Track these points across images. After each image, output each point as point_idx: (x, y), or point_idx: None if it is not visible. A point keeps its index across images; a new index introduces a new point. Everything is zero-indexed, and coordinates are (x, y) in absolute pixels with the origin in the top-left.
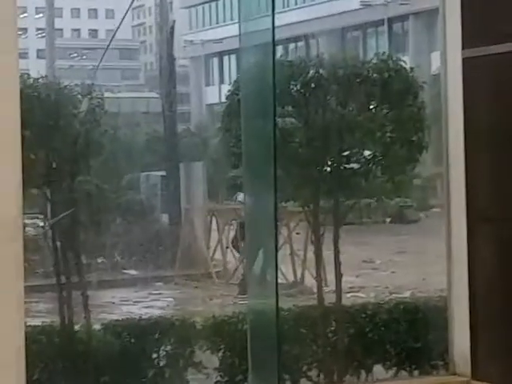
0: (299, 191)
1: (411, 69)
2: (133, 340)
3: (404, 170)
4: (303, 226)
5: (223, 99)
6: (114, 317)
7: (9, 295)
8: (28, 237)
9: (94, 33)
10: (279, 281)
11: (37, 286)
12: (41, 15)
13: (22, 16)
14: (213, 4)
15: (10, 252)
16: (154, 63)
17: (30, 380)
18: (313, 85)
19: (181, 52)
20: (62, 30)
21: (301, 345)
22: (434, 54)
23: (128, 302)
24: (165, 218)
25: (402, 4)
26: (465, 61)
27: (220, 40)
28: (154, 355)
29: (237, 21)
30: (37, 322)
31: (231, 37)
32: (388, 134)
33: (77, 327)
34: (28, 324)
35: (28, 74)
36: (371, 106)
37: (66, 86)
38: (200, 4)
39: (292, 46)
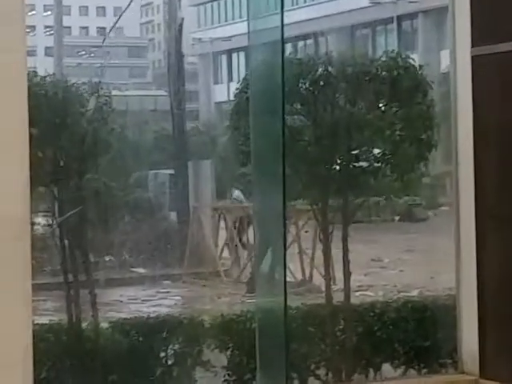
0: (308, 190)
1: (420, 67)
2: (141, 338)
3: (413, 168)
4: (312, 225)
5: (232, 97)
6: (122, 315)
7: (16, 293)
8: (36, 235)
9: (102, 30)
10: (287, 279)
11: (44, 284)
12: (49, 13)
13: (30, 14)
14: (221, 1)
15: (17, 250)
16: (163, 61)
17: (38, 378)
18: (322, 83)
19: (189, 50)
20: (70, 27)
21: (309, 343)
22: (443, 52)
23: (136, 301)
24: (173, 216)
25: (411, 2)
26: (474, 59)
27: (229, 38)
28: (162, 354)
29: (246, 18)
30: (44, 320)
31: (240, 34)
32: (397, 133)
33: (84, 325)
34: (35, 322)
35: (35, 72)
36: (380, 104)
37: (73, 83)
38: (209, 2)
39: (301, 43)
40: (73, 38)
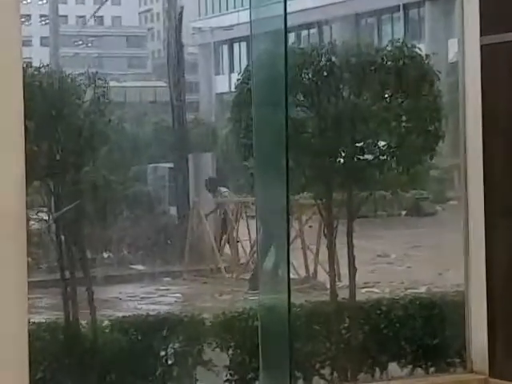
0: (311, 183)
1: (427, 56)
2: (140, 337)
3: (420, 160)
4: (315, 220)
5: (233, 88)
6: (121, 313)
7: (12, 291)
8: (31, 231)
9: (99, 19)
10: (291, 276)
11: (41, 282)
12: (44, 1)
13: (24, 2)
14: None
15: (13, 246)
16: (162, 51)
17: (34, 379)
18: (325, 73)
19: (189, 39)
20: (66, 16)
21: (313, 342)
22: (451, 41)
23: (135, 298)
24: (173, 210)
25: None
26: (483, 48)
27: (230, 27)
28: (162, 353)
29: (247, 7)
30: (41, 318)
31: (242, 23)
32: (403, 124)
33: (82, 324)
34: (32, 321)
35: (30, 63)
36: (386, 95)
37: (69, 74)
38: None
39: (304, 32)
40: (69, 28)
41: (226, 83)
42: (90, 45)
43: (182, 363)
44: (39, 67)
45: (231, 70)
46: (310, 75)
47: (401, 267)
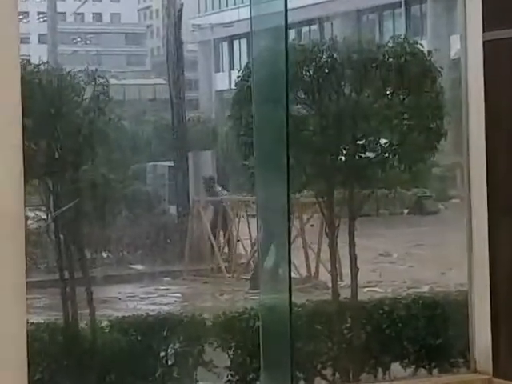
0: (313, 182)
1: (429, 52)
2: (140, 337)
3: (422, 158)
4: (317, 218)
5: (233, 86)
6: (120, 313)
7: (10, 291)
8: (30, 230)
9: (98, 16)
10: (292, 275)
11: (39, 282)
12: None
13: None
14: None
15: (11, 246)
16: (161, 48)
17: (32, 380)
18: (326, 70)
19: (189, 36)
20: (64, 13)
21: (315, 342)
22: (453, 37)
23: (134, 298)
24: (172, 209)
25: None
26: (486, 44)
27: (230, 24)
28: (162, 353)
29: (248, 3)
30: (40, 319)
31: (242, 20)
32: (405, 122)
33: (81, 324)
34: (30, 321)
35: (29, 60)
36: (387, 92)
37: (68, 72)
38: None
39: (305, 29)
40: (67, 25)
41: (225, 81)
42: (88, 42)
43: (183, 364)
44: (38, 64)
45: (231, 67)
46: (311, 72)
47: (403, 266)
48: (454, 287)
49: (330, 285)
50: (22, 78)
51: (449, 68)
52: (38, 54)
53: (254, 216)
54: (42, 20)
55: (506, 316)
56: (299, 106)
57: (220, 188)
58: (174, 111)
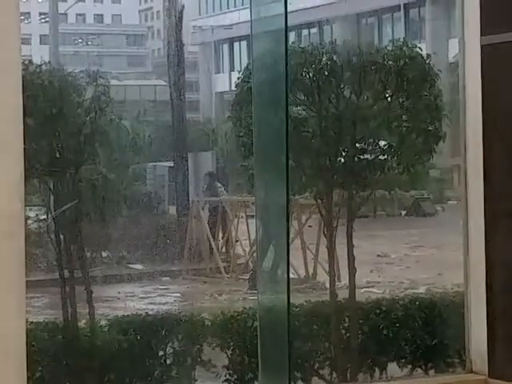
0: (311, 183)
1: (428, 56)
2: (139, 337)
3: (420, 161)
4: (315, 220)
5: (233, 87)
6: (120, 313)
7: (10, 291)
8: (30, 230)
9: (99, 18)
10: (290, 276)
11: (39, 281)
12: None
13: (24, 0)
14: None
15: (11, 245)
16: (162, 49)
17: (32, 378)
18: (326, 72)
19: (190, 38)
20: (66, 14)
21: (313, 342)
22: (451, 41)
23: (134, 298)
24: (172, 210)
25: None
26: (484, 48)
27: (230, 26)
28: (161, 353)
29: (248, 6)
30: (39, 318)
31: (242, 22)
32: (404, 124)
33: (81, 324)
34: (30, 320)
35: (30, 61)
36: (386, 95)
37: (70, 72)
38: None
39: (305, 32)
40: (69, 26)
41: (226, 82)
42: (89, 43)
43: (181, 363)
44: (40, 65)
45: (231, 68)
46: (311, 74)
47: (400, 267)
48: (450, 288)
49: (327, 285)
50: (23, 78)
51: (447, 71)
52: (39, 54)
53: (253, 217)
54: (43, 21)
55: (502, 316)
56: (299, 108)
57: (220, 185)
58: (174, 112)
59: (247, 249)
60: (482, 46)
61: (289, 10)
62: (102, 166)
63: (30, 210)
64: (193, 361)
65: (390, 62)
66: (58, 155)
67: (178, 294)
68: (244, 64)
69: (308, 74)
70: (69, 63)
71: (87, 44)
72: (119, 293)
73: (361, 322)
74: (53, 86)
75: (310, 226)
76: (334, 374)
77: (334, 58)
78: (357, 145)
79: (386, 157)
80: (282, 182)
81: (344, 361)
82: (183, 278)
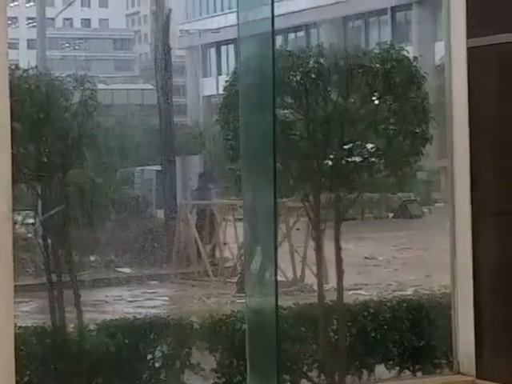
0: (299, 186)
1: (414, 59)
2: (127, 341)
3: (407, 163)
4: (303, 222)
5: (221, 91)
6: (108, 316)
7: None
8: (18, 234)
9: (86, 22)
10: (278, 278)
11: (27, 286)
12: (31, 4)
13: (11, 4)
14: None
15: None
16: (149, 54)
17: (21, 382)
18: (313, 75)
19: (177, 42)
20: (53, 19)
21: (301, 344)
22: (438, 44)
23: (122, 302)
24: (160, 213)
25: None
26: (470, 50)
27: (217, 30)
28: (149, 356)
29: (235, 10)
30: (28, 322)
31: (229, 26)
32: (391, 127)
33: (69, 328)
34: (18, 325)
35: (17, 65)
36: (373, 98)
37: (57, 77)
38: None
39: (292, 35)
40: (56, 30)
41: (213, 86)
42: (77, 47)
43: (170, 366)
44: (27, 69)
45: (219, 72)
46: (298, 78)
47: (388, 269)
48: (438, 289)
49: (315, 288)
50: (10, 83)
51: (433, 74)
52: (26, 59)
53: (241, 220)
54: (30, 25)
55: (489, 318)
56: (286, 111)
57: (212, 186)
58: (161, 116)
59: (235, 252)
60: (468, 49)
61: (276, 13)
62: (89, 170)
63: (18, 214)
64: (181, 364)
65: (377, 65)
66: (45, 159)
67: (167, 298)
68: (231, 68)
69: (295, 77)
70: (56, 67)
71: (74, 48)
72: (107, 296)
73: (349, 324)
74: (40, 91)
75: (297, 229)
76: (323, 377)
77: (321, 61)
78: (344, 147)
79: (373, 159)
80: (269, 184)
81: (332, 363)
82: (171, 281)
